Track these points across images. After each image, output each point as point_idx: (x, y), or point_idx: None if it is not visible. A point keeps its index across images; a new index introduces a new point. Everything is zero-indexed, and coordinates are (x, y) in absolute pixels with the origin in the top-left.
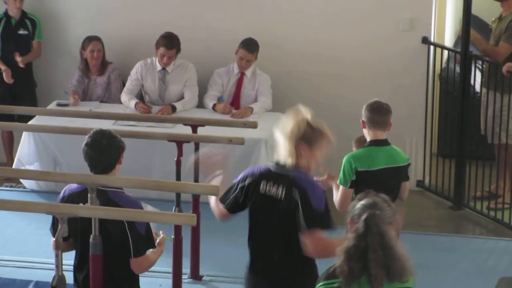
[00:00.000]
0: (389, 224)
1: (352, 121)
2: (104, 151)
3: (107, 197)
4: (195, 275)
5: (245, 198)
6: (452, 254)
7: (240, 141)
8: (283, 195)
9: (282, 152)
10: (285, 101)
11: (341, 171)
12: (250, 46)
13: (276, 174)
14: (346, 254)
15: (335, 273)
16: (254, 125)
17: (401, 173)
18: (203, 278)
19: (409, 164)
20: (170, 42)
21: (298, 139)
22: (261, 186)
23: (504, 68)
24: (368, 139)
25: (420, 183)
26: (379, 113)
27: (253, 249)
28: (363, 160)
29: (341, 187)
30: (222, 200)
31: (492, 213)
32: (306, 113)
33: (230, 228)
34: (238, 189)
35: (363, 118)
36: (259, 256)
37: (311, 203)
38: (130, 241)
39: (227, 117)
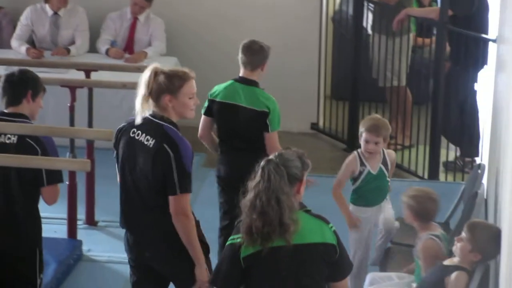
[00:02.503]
0: (290, 177)
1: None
2: (12, 82)
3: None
4: (91, 221)
5: (115, 143)
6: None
7: (134, 86)
8: (152, 143)
9: (148, 106)
10: (181, 45)
11: None
12: None
13: (147, 123)
14: (248, 206)
15: (239, 228)
16: None
17: (250, 116)
18: (99, 224)
19: (265, 113)
20: None
21: (159, 93)
22: (131, 131)
23: (395, 23)
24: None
25: (314, 126)
26: (245, 53)
27: (121, 196)
28: (217, 90)
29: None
30: None
31: None
32: (159, 66)
33: None
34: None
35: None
36: (127, 202)
37: (184, 163)
38: (43, 169)
39: (120, 62)
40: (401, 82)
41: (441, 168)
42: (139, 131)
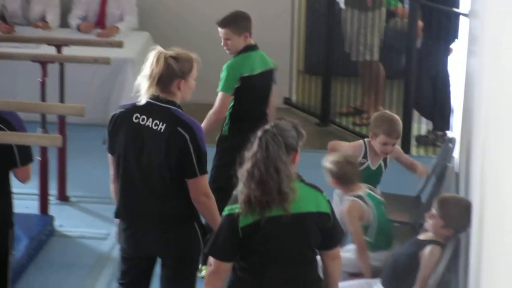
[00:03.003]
0: (288, 147)
1: (212, 38)
2: None
3: None
4: (62, 196)
5: (112, 131)
6: (319, 170)
7: (106, 61)
8: (163, 127)
9: (154, 90)
10: (153, 19)
11: (224, 79)
12: None
13: (152, 108)
14: (246, 176)
15: (236, 198)
16: (119, 45)
17: (272, 75)
18: (70, 199)
19: (276, 68)
20: None
21: (171, 77)
22: (133, 117)
23: None
24: (241, 46)
25: (287, 101)
26: (250, 21)
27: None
28: (246, 65)
29: (221, 93)
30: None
31: (357, 129)
32: (165, 50)
33: (96, 149)
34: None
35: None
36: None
37: (199, 145)
38: (16, 151)
39: (92, 37)
40: (374, 56)
41: (413, 142)
42: (144, 116)
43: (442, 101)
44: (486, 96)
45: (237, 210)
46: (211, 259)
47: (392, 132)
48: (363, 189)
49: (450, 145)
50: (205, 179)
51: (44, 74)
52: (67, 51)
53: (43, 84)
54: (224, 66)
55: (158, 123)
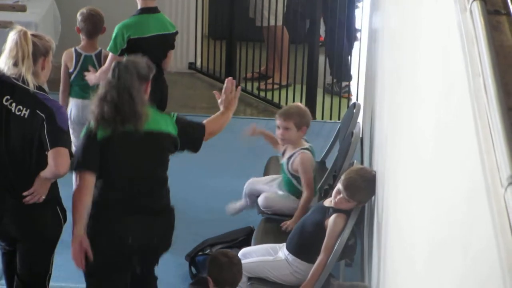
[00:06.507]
0: (140, 76)
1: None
2: None
3: None
4: None
5: None
6: (225, 135)
7: (9, 25)
8: (27, 113)
9: (21, 70)
10: None
11: (112, 39)
12: None
13: (20, 91)
14: (97, 98)
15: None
16: (23, 9)
17: (169, 40)
18: None
19: (177, 32)
20: None
21: (37, 56)
22: (4, 99)
23: None
24: (139, 7)
25: (191, 65)
26: None
27: None
28: (136, 28)
29: (110, 54)
30: None
31: (262, 94)
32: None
33: None
34: None
35: None
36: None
37: (56, 123)
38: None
39: None
40: (278, 21)
41: (318, 107)
42: (12, 100)
43: (340, 54)
44: (388, 65)
45: (93, 126)
46: (76, 177)
47: (281, 113)
48: (306, 143)
49: (354, 110)
50: (58, 152)
51: None
52: None
53: None
54: (116, 26)
55: (21, 108)
